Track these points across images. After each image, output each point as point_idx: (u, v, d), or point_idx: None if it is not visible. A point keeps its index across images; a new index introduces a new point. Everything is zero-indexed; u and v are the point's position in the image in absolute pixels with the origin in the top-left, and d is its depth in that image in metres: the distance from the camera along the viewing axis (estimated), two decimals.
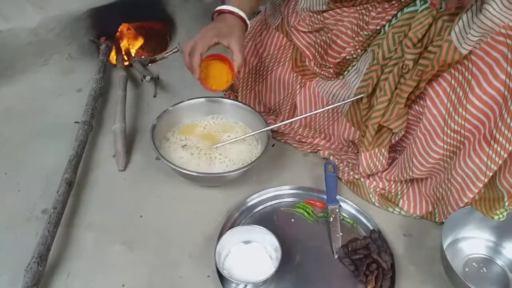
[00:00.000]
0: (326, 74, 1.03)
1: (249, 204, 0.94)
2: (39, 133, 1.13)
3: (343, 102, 0.99)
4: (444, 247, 0.80)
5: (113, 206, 0.94)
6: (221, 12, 0.94)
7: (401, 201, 0.95)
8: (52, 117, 1.18)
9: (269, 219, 0.92)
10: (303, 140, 1.12)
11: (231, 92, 1.25)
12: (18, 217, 0.90)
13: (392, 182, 0.99)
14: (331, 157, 1.06)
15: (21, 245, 0.84)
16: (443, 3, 0.78)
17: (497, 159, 0.74)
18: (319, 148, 1.10)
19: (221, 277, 0.77)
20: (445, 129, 0.81)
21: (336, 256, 0.85)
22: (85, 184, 0.99)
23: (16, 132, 1.12)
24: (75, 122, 1.10)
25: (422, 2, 0.82)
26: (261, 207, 0.95)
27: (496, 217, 0.81)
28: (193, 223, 0.91)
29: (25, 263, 0.76)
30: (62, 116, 1.18)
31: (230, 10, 0.93)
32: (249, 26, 0.97)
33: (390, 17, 0.90)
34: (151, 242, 0.87)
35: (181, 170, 0.91)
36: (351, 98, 0.97)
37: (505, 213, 0.80)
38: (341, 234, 0.88)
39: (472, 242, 0.88)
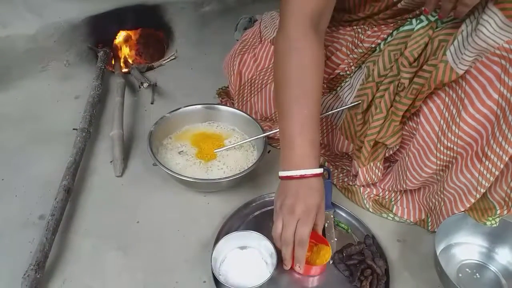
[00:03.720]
0: None
1: (245, 209, 0.95)
2: (37, 139, 1.13)
3: (341, 108, 0.98)
4: (438, 253, 0.81)
5: (109, 212, 0.94)
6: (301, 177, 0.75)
7: (395, 207, 0.96)
8: (49, 124, 1.19)
9: (264, 225, 0.92)
10: None
11: (228, 99, 1.26)
12: (15, 223, 0.90)
13: (386, 190, 1.00)
14: (326, 163, 1.07)
15: (18, 251, 0.84)
16: (439, 22, 0.80)
17: (488, 175, 0.75)
18: None
19: (217, 282, 0.78)
20: (438, 145, 0.82)
21: (330, 262, 0.85)
22: (82, 189, 0.99)
23: (13, 139, 1.13)
24: (73, 129, 1.11)
25: (418, 21, 0.83)
26: (257, 212, 0.95)
27: (488, 223, 0.82)
28: (189, 229, 0.91)
29: (21, 269, 0.76)
30: (60, 123, 1.19)
31: (313, 174, 0.75)
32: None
33: (385, 36, 0.91)
34: (147, 248, 0.87)
35: (177, 176, 0.91)
36: (348, 105, 0.97)
37: (497, 219, 0.81)
38: (335, 239, 0.89)
39: (466, 247, 0.89)
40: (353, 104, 0.96)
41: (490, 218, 0.81)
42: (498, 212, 0.79)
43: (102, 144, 1.13)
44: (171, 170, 0.92)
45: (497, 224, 0.82)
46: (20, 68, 1.32)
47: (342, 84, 1.01)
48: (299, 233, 0.75)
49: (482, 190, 0.77)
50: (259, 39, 1.12)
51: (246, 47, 1.10)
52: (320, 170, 0.77)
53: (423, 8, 0.77)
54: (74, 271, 0.82)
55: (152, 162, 1.00)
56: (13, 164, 1.05)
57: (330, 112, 1.01)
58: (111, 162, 1.06)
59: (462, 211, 0.84)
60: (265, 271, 0.80)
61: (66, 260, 0.84)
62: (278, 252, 0.80)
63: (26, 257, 0.81)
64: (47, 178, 1.00)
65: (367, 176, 0.96)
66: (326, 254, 0.81)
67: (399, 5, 0.87)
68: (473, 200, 0.80)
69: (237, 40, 1.20)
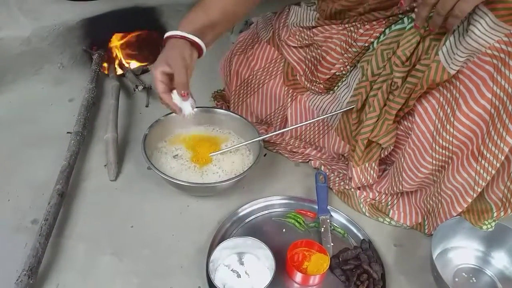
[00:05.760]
0: (317, 89, 1.04)
1: (241, 214, 0.94)
2: (30, 142, 1.12)
3: (335, 112, 0.99)
4: (434, 257, 0.81)
5: (103, 217, 0.93)
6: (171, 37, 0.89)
7: (391, 211, 0.96)
8: (43, 127, 1.18)
9: (260, 229, 0.92)
10: (295, 150, 1.12)
11: (223, 102, 1.25)
12: (7, 227, 0.89)
13: (382, 193, 1.00)
14: (322, 167, 1.07)
15: (10, 256, 0.83)
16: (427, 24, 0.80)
17: (485, 175, 0.75)
18: (310, 158, 1.10)
19: None
20: (434, 145, 0.82)
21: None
22: (75, 194, 0.98)
23: (6, 142, 1.12)
24: (67, 133, 1.10)
25: (410, 19, 0.83)
26: (252, 217, 0.95)
27: (484, 227, 0.82)
28: (184, 234, 0.91)
29: (13, 274, 0.76)
30: (53, 126, 1.18)
31: (181, 36, 0.87)
32: (204, 51, 0.89)
33: (378, 34, 0.92)
34: (141, 253, 0.86)
35: (172, 180, 0.91)
36: (342, 109, 0.98)
37: (493, 223, 0.81)
38: (332, 244, 0.89)
39: (462, 252, 0.89)
40: (347, 109, 0.96)
41: (486, 222, 0.81)
42: (495, 214, 0.79)
43: (96, 147, 1.12)
44: (165, 174, 0.91)
45: (493, 228, 0.82)
46: (14, 70, 1.31)
47: (339, 84, 1.02)
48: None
49: (479, 189, 0.78)
50: (256, 39, 1.12)
51: (243, 47, 1.10)
52: (187, 35, 0.86)
53: (400, 1, 0.75)
54: (67, 276, 0.81)
55: (146, 166, 0.99)
56: (6, 168, 1.04)
57: (325, 116, 1.01)
58: (105, 165, 1.05)
59: (460, 213, 0.84)
60: (263, 277, 0.79)
61: (59, 265, 0.83)
62: (276, 259, 0.79)
63: (18, 262, 0.80)
64: (41, 182, 0.99)
65: (361, 176, 0.96)
66: (324, 263, 0.81)
67: None
68: (470, 200, 0.80)
69: (233, 43, 1.20)
